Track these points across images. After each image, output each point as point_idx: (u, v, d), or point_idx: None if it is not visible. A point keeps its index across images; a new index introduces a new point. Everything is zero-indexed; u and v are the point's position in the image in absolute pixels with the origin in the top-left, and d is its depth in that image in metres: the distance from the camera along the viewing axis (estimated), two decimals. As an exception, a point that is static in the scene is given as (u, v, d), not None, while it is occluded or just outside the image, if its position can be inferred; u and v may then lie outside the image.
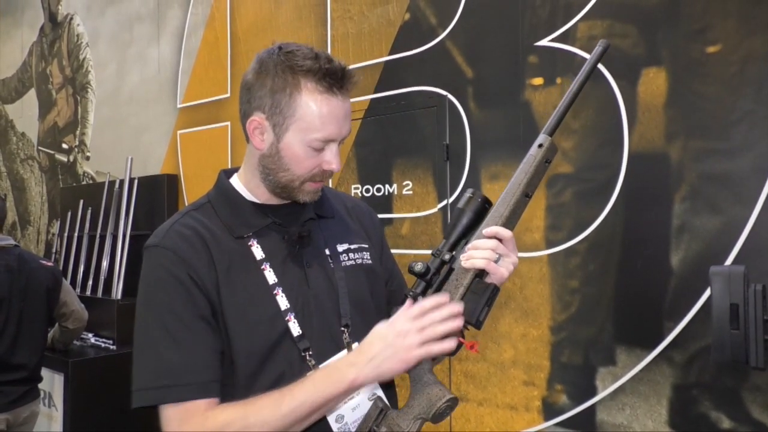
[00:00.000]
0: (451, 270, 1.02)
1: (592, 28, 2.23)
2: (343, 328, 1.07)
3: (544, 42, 2.34)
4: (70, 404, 3.17)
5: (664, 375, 2.03)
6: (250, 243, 1.05)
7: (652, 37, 2.10)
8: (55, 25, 5.08)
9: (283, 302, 1.03)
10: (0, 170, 5.75)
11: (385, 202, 2.79)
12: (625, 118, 2.14)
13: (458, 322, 0.95)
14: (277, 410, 0.92)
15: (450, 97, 2.60)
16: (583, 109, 2.20)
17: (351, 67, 1.02)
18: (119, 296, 3.70)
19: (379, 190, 2.84)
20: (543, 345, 2.31)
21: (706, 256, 1.95)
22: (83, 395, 3.18)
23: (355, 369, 0.93)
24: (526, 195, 1.03)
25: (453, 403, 0.98)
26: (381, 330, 0.96)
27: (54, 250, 4.61)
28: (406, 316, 0.95)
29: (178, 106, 3.93)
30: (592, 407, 2.19)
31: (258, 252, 1.05)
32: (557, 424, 2.26)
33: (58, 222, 4.73)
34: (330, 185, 2.75)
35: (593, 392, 2.18)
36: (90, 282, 3.99)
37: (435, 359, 1.02)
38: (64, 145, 4.95)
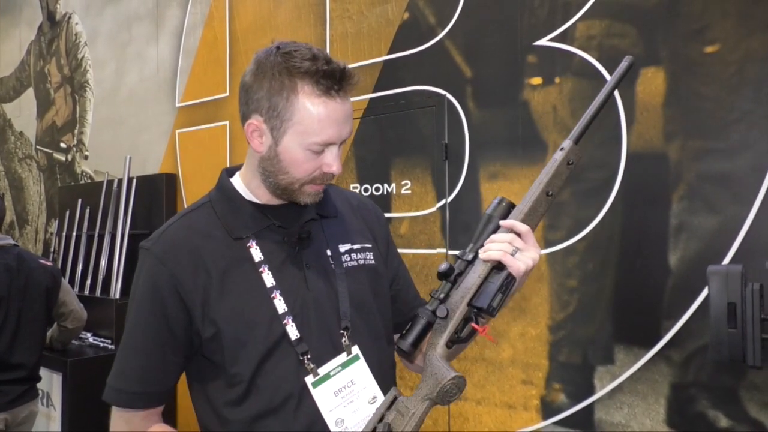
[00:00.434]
0: (472, 265, 1.04)
1: (591, 28, 2.23)
2: (342, 331, 1.05)
3: (543, 42, 2.34)
4: (68, 404, 3.17)
5: (662, 374, 2.04)
6: (249, 244, 1.04)
7: (650, 37, 2.10)
8: (53, 23, 5.07)
9: (281, 305, 1.02)
10: (-2, 169, 5.75)
11: (384, 202, 2.79)
12: (624, 118, 2.14)
13: None
14: None
15: (449, 96, 2.60)
16: (582, 109, 2.21)
17: (350, 66, 1.00)
18: (117, 295, 3.70)
19: (377, 189, 2.84)
20: (541, 344, 2.31)
21: (704, 256, 1.96)
22: (81, 395, 3.17)
23: None
24: (548, 194, 1.06)
25: (459, 381, 0.99)
26: None
27: (52, 250, 4.60)
28: None
29: (177, 105, 3.93)
30: (590, 406, 2.19)
31: (257, 254, 1.04)
32: (555, 423, 2.27)
33: (57, 221, 4.72)
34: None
35: (591, 391, 2.19)
36: (88, 281, 3.99)
37: (450, 349, 1.02)
38: (63, 144, 4.94)
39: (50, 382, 3.26)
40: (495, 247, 1.02)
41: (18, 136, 5.51)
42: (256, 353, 1.00)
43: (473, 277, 1.02)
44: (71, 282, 4.03)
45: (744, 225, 1.90)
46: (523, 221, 1.04)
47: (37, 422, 2.68)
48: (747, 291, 1.50)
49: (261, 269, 1.03)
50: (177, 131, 3.91)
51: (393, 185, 2.79)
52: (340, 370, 1.04)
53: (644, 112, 2.10)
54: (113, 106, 4.47)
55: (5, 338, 2.46)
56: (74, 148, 4.83)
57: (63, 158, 4.94)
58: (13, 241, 2.62)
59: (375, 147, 2.86)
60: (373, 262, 1.15)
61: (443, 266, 1.03)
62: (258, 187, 1.07)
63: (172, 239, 1.04)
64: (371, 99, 2.87)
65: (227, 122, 3.58)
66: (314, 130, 0.97)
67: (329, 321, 1.05)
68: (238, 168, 1.14)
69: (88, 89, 4.71)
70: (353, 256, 1.13)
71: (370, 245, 1.17)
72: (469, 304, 1.02)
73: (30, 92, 5.35)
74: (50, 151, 5.08)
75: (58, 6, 5.03)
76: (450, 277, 1.03)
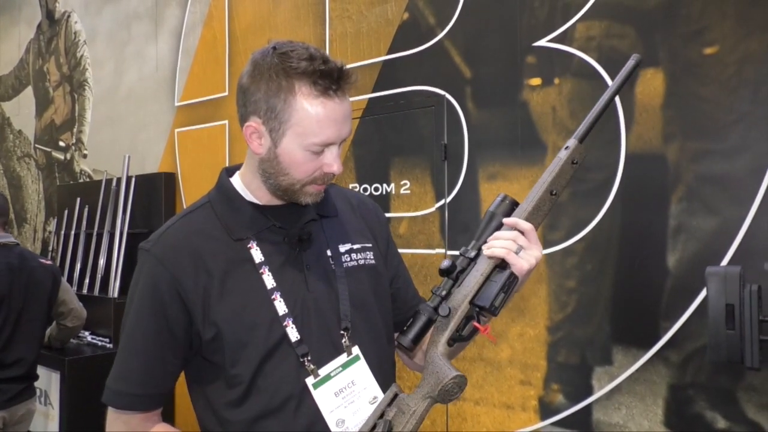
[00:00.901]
0: (474, 263, 1.04)
1: (590, 29, 2.23)
2: (342, 332, 1.05)
3: (542, 42, 2.34)
4: (66, 402, 3.17)
5: (660, 375, 2.04)
6: (249, 245, 1.04)
7: (649, 38, 2.10)
8: (52, 22, 5.07)
9: (281, 307, 1.01)
10: (-4, 168, 5.74)
11: (383, 202, 2.79)
12: (623, 119, 2.14)
13: None
14: None
15: (448, 96, 2.60)
16: (581, 110, 2.21)
17: (349, 66, 0.99)
18: (116, 294, 3.70)
19: (377, 189, 2.84)
20: (540, 344, 2.31)
21: (702, 257, 1.96)
22: (79, 393, 3.17)
23: None
24: (552, 193, 1.06)
25: (460, 380, 0.99)
26: None
27: (50, 248, 4.60)
28: None
29: (176, 104, 3.93)
30: (589, 407, 2.19)
31: (257, 255, 1.03)
32: (553, 424, 2.27)
33: (55, 220, 4.72)
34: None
35: (589, 392, 2.19)
36: (87, 280, 3.99)
37: (451, 347, 1.02)
38: (61, 143, 4.94)
39: (48, 381, 3.26)
40: (499, 245, 1.01)
41: (17, 134, 5.51)
42: (257, 354, 1.00)
43: (476, 275, 1.02)
44: (70, 281, 4.03)
45: (743, 226, 1.90)
46: (527, 220, 1.04)
47: (35, 421, 2.68)
48: (745, 292, 1.51)
49: (261, 270, 1.03)
50: (176, 130, 3.91)
51: (392, 185, 2.79)
52: (341, 371, 1.04)
53: (643, 113, 2.11)
54: (112, 104, 4.46)
55: (4, 336, 2.46)
56: (73, 147, 4.82)
57: (62, 157, 4.94)
58: (15, 240, 2.62)
59: (374, 147, 2.86)
60: (373, 261, 1.15)
61: (445, 263, 1.02)
62: (258, 188, 1.07)
63: (172, 240, 1.03)
64: (370, 99, 2.87)
65: (226, 121, 3.58)
66: (313, 131, 0.96)
67: (329, 322, 1.05)
68: (237, 167, 1.13)
69: (87, 88, 4.71)
70: (353, 256, 1.12)
71: (370, 245, 1.16)
72: (471, 302, 1.02)
73: (29, 91, 5.34)
74: (49, 149, 5.08)
75: (57, 5, 5.02)
76: (452, 274, 1.03)
